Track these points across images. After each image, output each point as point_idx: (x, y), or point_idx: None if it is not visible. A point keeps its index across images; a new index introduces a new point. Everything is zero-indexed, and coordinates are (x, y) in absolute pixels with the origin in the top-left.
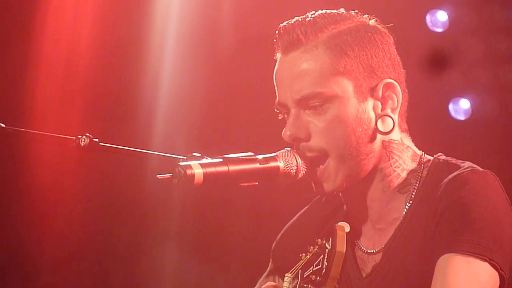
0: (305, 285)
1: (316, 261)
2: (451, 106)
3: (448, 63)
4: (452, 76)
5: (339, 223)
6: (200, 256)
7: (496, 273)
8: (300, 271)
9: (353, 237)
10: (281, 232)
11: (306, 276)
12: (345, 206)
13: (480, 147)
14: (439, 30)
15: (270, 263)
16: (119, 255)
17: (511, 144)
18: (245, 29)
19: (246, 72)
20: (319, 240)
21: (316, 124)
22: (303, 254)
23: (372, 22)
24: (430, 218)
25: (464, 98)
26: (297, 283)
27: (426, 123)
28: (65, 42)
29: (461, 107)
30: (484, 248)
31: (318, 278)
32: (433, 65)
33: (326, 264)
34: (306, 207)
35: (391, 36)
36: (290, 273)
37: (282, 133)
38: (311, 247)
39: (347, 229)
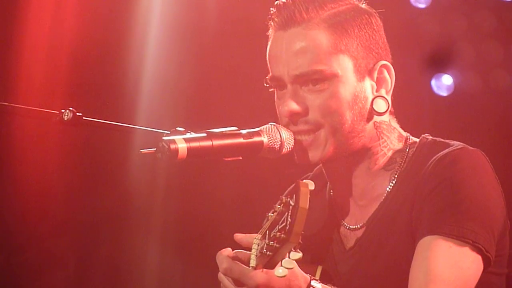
0: (271, 243)
1: (281, 219)
2: (433, 82)
3: (430, 38)
4: (434, 52)
5: (303, 180)
6: (184, 229)
7: (480, 257)
8: (267, 231)
9: (337, 215)
10: None
11: (273, 235)
12: (328, 184)
13: (462, 123)
14: (422, 6)
15: None
16: (102, 229)
17: (493, 119)
18: (232, 5)
19: (231, 47)
20: (284, 198)
21: (314, 100)
22: (270, 214)
23: (363, 6)
24: (417, 195)
25: (447, 74)
26: (264, 243)
27: (408, 100)
28: (50, 17)
29: (443, 83)
30: (467, 231)
31: (282, 235)
32: (416, 41)
33: (290, 220)
34: (291, 188)
35: (381, 22)
36: (259, 234)
37: (280, 109)
38: (277, 206)
39: (311, 186)
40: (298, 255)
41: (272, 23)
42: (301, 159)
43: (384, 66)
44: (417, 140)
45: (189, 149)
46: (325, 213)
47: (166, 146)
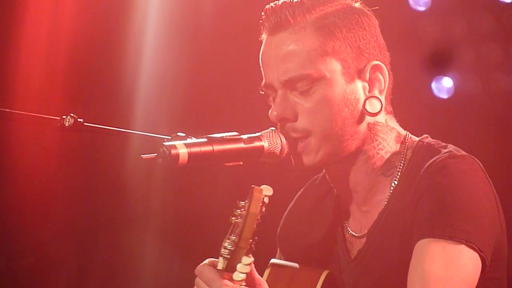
0: (229, 247)
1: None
2: (433, 85)
3: (430, 41)
4: (434, 54)
5: (261, 186)
6: (182, 233)
7: (476, 255)
8: (230, 235)
9: (342, 219)
10: (283, 218)
11: (231, 239)
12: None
13: (462, 126)
14: (422, 8)
15: (278, 249)
16: (102, 235)
17: (493, 122)
18: (229, 8)
19: (230, 52)
20: (242, 202)
21: (303, 104)
22: (233, 218)
23: (357, 4)
24: (409, 203)
25: (447, 76)
26: (227, 246)
27: (408, 102)
28: (47, 22)
29: (443, 86)
30: (459, 231)
31: (235, 238)
32: (416, 44)
33: (241, 225)
34: (302, 190)
35: (376, 19)
36: (226, 238)
37: (269, 113)
38: (237, 210)
39: (267, 192)
40: (249, 260)
41: (263, 28)
42: (297, 164)
43: (375, 66)
44: (416, 139)
45: (190, 154)
46: (332, 216)
47: (167, 151)
